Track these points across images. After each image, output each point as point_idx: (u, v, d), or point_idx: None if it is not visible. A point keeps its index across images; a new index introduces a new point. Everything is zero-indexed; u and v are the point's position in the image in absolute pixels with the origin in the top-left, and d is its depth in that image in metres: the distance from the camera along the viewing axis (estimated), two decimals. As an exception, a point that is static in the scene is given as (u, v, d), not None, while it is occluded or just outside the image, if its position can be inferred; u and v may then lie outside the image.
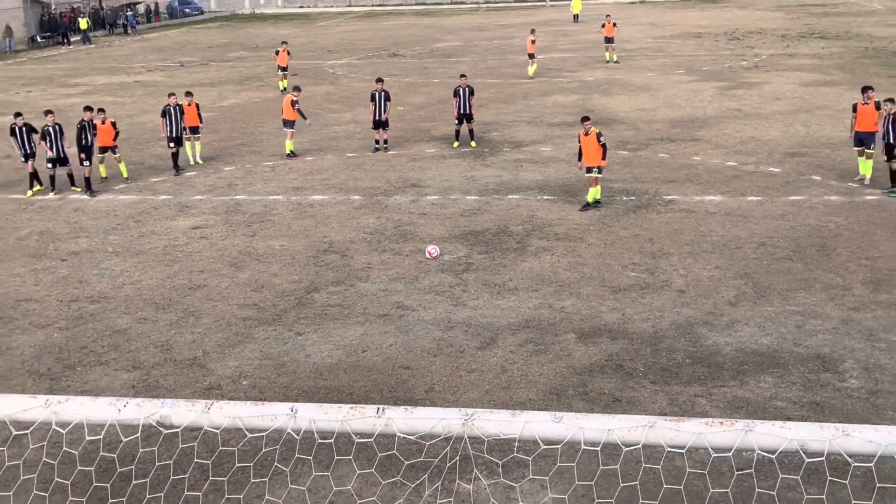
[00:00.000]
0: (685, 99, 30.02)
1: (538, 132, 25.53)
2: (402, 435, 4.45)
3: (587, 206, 17.75)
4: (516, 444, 8.08)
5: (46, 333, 12.90)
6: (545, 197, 18.90)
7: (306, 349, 12.00)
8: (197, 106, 23.29)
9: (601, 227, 16.72)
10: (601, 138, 17.58)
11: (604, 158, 17.70)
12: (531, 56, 38.00)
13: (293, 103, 23.20)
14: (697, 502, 7.77)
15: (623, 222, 16.94)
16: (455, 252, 15.62)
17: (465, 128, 24.03)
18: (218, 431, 4.77)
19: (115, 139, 21.79)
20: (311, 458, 8.18)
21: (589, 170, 17.79)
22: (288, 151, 23.63)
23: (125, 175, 21.99)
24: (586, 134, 17.52)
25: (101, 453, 8.21)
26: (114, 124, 21.87)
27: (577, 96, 31.35)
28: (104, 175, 21.99)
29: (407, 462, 8.15)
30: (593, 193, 17.91)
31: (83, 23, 65.10)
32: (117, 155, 22.03)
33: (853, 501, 7.31)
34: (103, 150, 21.77)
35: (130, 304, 13.88)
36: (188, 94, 23.61)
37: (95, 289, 14.60)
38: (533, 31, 38.65)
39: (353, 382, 10.99)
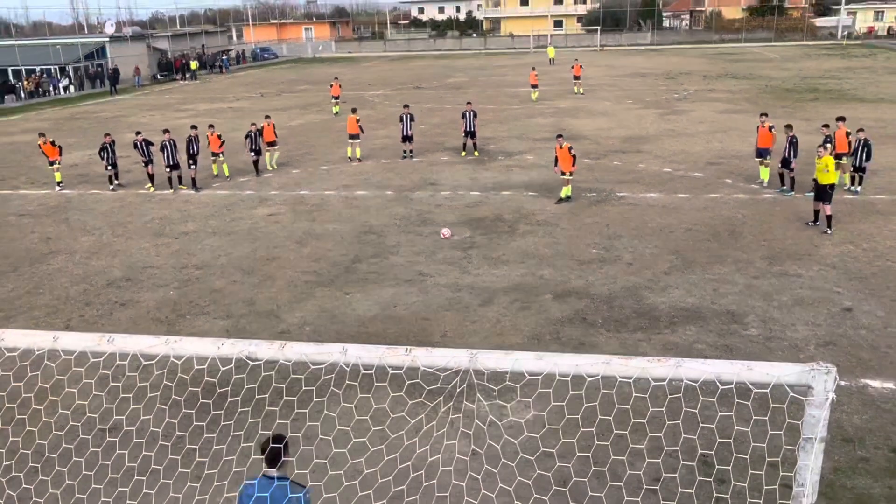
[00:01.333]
0: (633, 121, 29.71)
1: (524, 145, 25.31)
2: (423, 368, 4.42)
3: (560, 201, 17.63)
4: (507, 375, 8.07)
5: (164, 291, 12.91)
6: (530, 193, 18.73)
7: (352, 305, 11.95)
8: (273, 126, 23.13)
9: (571, 216, 16.59)
10: (572, 150, 17.54)
11: (573, 165, 17.64)
12: (534, 86, 37.87)
13: (357, 121, 23.15)
14: (640, 418, 7.75)
15: (587, 212, 16.81)
16: (462, 234, 15.51)
17: (469, 141, 23.84)
18: (289, 364, 4.77)
19: (220, 147, 21.73)
20: (356, 384, 8.22)
21: (563, 173, 17.71)
22: (350, 156, 23.60)
23: (227, 175, 21.92)
24: (560, 147, 17.47)
25: (206, 378, 8.24)
26: (220, 136, 21.77)
27: (554, 119, 31.07)
28: (216, 173, 22.05)
29: (427, 388, 8.17)
30: (566, 191, 17.79)
31: (193, 64, 64.92)
32: (221, 159, 21.93)
33: (753, 417, 7.29)
34: (214, 155, 21.78)
35: (224, 270, 13.85)
36: (267, 116, 23.41)
37: (199, 259, 14.58)
38: (534, 69, 38.42)
39: (386, 329, 10.96)
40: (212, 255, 14.76)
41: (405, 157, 23.75)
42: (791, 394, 4.23)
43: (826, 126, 17.57)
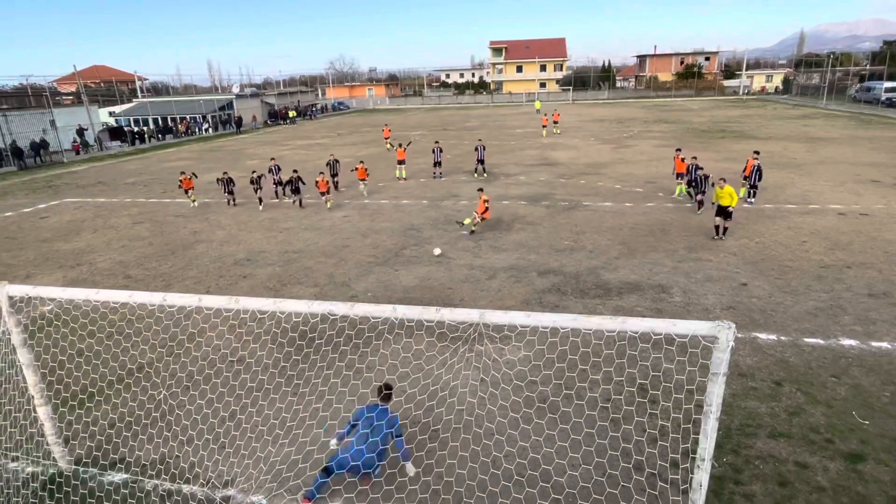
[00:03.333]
0: (594, 153, 29.25)
1: (518, 169, 25.01)
2: (448, 321, 4.43)
3: (464, 226, 17.39)
4: (506, 327, 8.07)
5: (272, 268, 13.03)
6: (522, 202, 18.54)
7: (399, 278, 11.96)
8: (365, 168, 20.51)
9: (549, 218, 16.40)
10: (487, 202, 17.18)
11: (486, 212, 16.82)
12: (545, 126, 37.80)
13: (404, 151, 23.20)
14: (597, 357, 7.70)
15: (562, 216, 16.60)
16: (479, 230, 15.47)
17: (479, 166, 23.65)
18: (357, 318, 4.84)
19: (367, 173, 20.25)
20: (402, 332, 8.24)
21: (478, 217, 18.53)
22: (398, 176, 23.45)
23: (364, 192, 20.51)
24: (479, 198, 16.09)
25: (301, 327, 8.33)
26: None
27: (539, 151, 30.68)
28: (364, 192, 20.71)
29: (451, 335, 8.16)
30: (468, 221, 17.53)
31: (291, 113, 65.13)
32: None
33: (676, 358, 7.19)
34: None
35: (313, 254, 13.93)
36: (361, 162, 21.06)
37: (296, 246, 14.68)
38: (545, 115, 37.81)
39: (423, 295, 10.95)
40: (305, 243, 14.86)
41: (435, 178, 23.66)
42: (703, 342, 4.17)
43: (757, 153, 17.14)
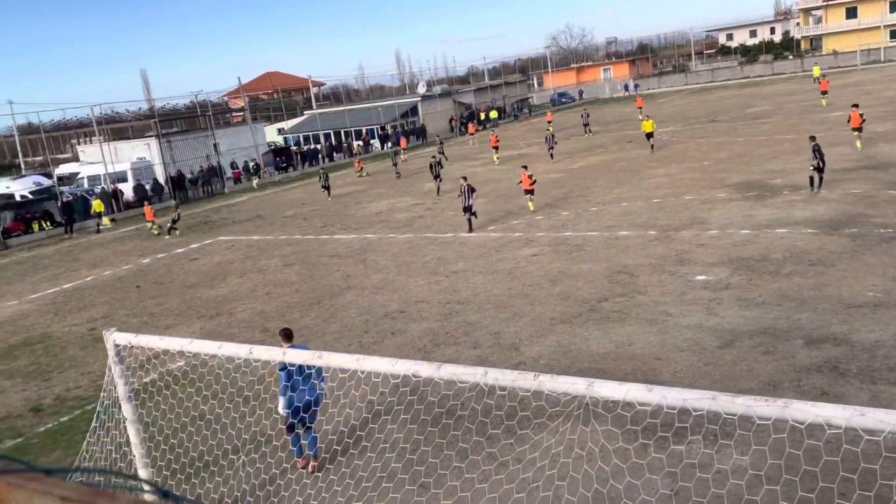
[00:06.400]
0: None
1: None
2: (547, 391, 4.96)
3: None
4: (721, 421, 7.96)
5: (428, 323, 14.57)
6: (809, 230, 17.34)
7: (588, 342, 12.37)
8: (529, 176, 24.19)
9: (851, 255, 15.09)
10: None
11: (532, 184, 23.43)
12: (824, 93, 36.23)
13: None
14: (848, 475, 7.14)
15: (874, 251, 15.14)
16: (718, 275, 15.08)
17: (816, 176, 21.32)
18: (520, 392, 5.63)
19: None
20: (568, 416, 8.71)
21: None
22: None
23: (532, 209, 24.15)
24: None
25: (450, 402, 9.41)
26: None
27: (865, 151, 27.95)
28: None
29: (639, 427, 8.35)
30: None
31: (493, 113, 70.34)
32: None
33: None
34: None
35: (480, 305, 15.16)
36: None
37: (462, 295, 16.11)
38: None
39: (616, 367, 11.22)
40: (473, 291, 16.23)
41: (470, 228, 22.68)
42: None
43: None
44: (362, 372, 5.94)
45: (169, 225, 30.68)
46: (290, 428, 9.23)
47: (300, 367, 8.74)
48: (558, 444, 8.84)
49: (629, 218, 21.41)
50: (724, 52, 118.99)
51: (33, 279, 24.98)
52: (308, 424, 9.13)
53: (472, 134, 56.82)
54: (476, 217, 22.87)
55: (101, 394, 8.07)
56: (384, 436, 9.72)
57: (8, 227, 35.79)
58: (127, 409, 7.47)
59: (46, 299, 21.73)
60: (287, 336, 9.46)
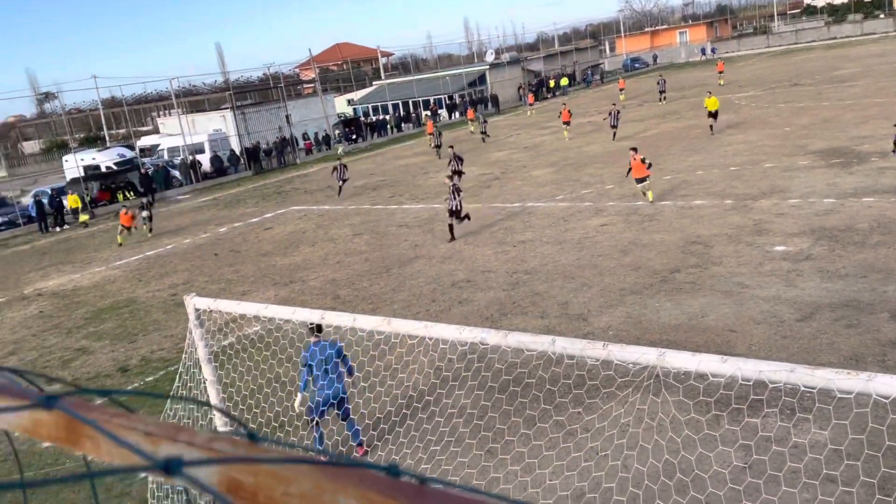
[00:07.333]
0: None
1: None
2: (616, 361, 4.92)
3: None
4: (798, 395, 7.76)
5: (495, 293, 14.63)
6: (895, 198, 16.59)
7: (659, 313, 12.18)
8: (640, 159, 19.49)
9: (943, 225, 14.36)
10: (645, 160, 15.13)
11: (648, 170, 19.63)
12: None
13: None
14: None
15: (968, 221, 14.36)
16: (798, 245, 14.55)
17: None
18: (589, 362, 5.67)
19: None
20: (640, 386, 8.66)
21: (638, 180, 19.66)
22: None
23: (651, 199, 19.64)
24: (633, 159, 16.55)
25: (518, 370, 9.49)
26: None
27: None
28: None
29: (712, 399, 8.24)
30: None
31: (563, 80, 69.18)
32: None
33: None
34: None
35: (548, 275, 15.11)
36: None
37: (529, 265, 16.08)
38: None
39: (688, 338, 11.01)
40: (541, 261, 16.16)
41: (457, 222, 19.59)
42: None
43: None
44: (430, 339, 6.03)
45: (146, 224, 27.61)
46: (311, 422, 9.15)
47: (321, 360, 8.81)
48: (627, 415, 8.78)
49: (704, 186, 20.82)
50: (810, 11, 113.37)
51: (117, 248, 26.14)
52: (342, 419, 9.21)
53: (531, 104, 55.68)
54: (469, 220, 19.60)
55: (183, 356, 8.45)
56: (451, 401, 9.85)
57: (94, 197, 37.46)
58: (207, 371, 7.79)
59: (131, 266, 22.74)
60: (316, 329, 9.17)
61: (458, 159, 26.01)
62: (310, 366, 8.90)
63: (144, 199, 29.68)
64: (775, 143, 25.93)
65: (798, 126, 28.83)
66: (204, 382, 8.06)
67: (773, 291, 12.37)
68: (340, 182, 28.99)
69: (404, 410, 9.93)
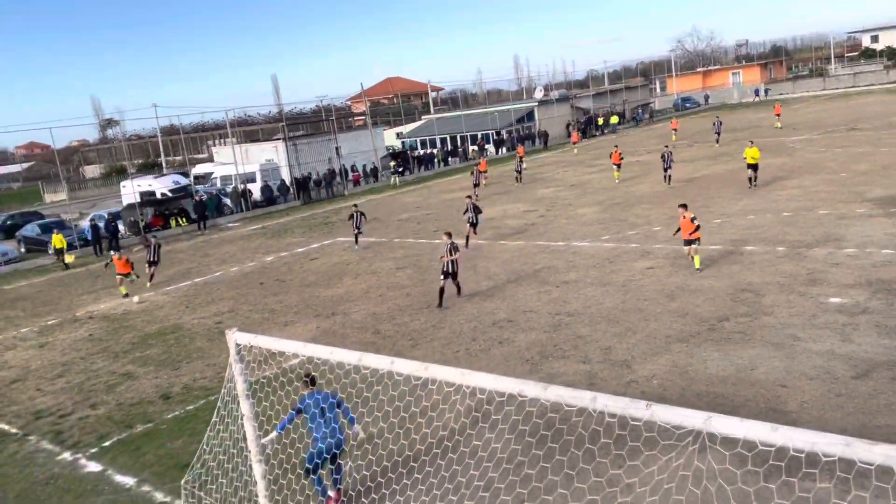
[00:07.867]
0: None
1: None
2: (661, 423, 4.72)
3: None
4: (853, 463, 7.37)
5: (536, 334, 14.39)
6: (959, 252, 15.92)
7: (706, 363, 11.80)
8: (690, 219, 17.30)
9: None
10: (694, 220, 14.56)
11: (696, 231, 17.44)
12: None
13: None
14: None
15: None
16: (854, 297, 14.02)
17: None
18: (607, 413, 5.49)
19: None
20: (683, 444, 8.33)
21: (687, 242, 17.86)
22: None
23: (697, 265, 17.23)
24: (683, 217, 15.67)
25: (548, 414, 9.26)
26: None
27: None
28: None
29: (769, 462, 7.89)
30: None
31: (613, 119, 68.96)
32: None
33: None
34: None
35: (591, 318, 14.82)
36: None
37: (572, 306, 15.81)
38: None
39: (736, 392, 10.63)
40: (584, 303, 15.88)
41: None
42: None
43: None
44: (467, 387, 5.91)
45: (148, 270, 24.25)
46: (313, 471, 8.85)
47: (322, 408, 8.75)
48: (671, 480, 8.45)
49: (756, 232, 20.32)
50: (868, 55, 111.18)
51: (169, 272, 26.64)
52: (331, 466, 9.04)
53: (574, 143, 55.25)
54: (459, 294, 17.78)
55: (223, 389, 8.47)
56: (482, 443, 9.64)
57: (149, 223, 38.43)
58: (245, 406, 7.78)
59: (180, 292, 23.15)
60: (309, 381, 9.13)
61: (476, 210, 24.57)
62: (313, 413, 8.80)
63: (150, 237, 25.55)
64: (831, 189, 25.29)
65: (855, 172, 28.08)
66: (241, 418, 8.06)
67: (826, 346, 11.90)
68: (356, 231, 26.03)
69: (435, 449, 9.76)
